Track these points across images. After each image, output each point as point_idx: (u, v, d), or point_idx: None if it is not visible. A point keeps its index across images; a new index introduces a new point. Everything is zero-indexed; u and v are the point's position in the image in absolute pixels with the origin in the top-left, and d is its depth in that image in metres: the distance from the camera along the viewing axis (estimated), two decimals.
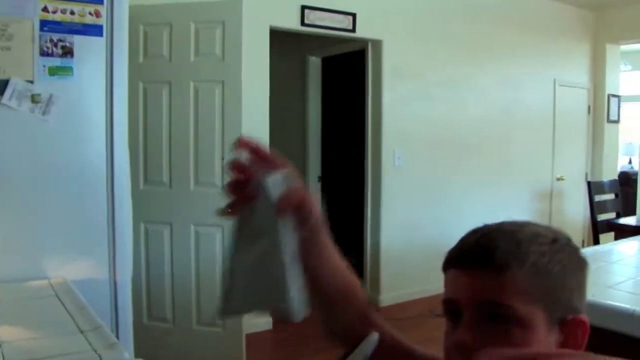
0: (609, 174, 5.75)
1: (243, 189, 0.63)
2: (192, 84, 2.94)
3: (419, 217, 4.58)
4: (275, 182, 0.60)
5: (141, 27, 2.92)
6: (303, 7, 3.82)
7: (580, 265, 0.67)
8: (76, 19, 1.73)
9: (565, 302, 0.63)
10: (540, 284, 0.61)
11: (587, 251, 2.62)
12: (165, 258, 2.99)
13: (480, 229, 0.69)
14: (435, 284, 4.44)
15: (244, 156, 0.63)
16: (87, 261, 1.69)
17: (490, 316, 0.60)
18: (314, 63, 5.13)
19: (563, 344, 0.63)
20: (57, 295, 1.46)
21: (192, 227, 2.97)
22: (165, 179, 2.98)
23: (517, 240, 0.64)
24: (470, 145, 4.84)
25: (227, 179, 0.64)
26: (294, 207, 0.63)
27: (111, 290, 1.69)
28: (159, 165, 2.97)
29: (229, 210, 0.64)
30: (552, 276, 0.62)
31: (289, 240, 0.60)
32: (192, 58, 2.93)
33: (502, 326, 0.60)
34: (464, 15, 4.74)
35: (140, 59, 2.94)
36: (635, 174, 6.66)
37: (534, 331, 0.60)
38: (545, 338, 0.61)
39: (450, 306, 0.65)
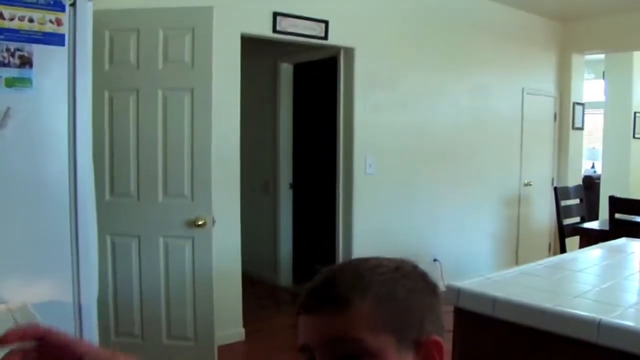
0: (574, 179, 5.88)
1: None
2: (160, 92, 2.86)
3: (391, 224, 4.58)
4: None
5: (107, 33, 2.83)
6: (275, 14, 3.78)
7: (428, 289, 0.68)
8: (35, 27, 1.64)
9: (417, 324, 0.64)
10: (386, 310, 0.62)
11: (553, 260, 2.64)
12: (134, 271, 2.89)
13: (326, 269, 0.69)
14: None
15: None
16: (49, 283, 1.60)
17: (342, 357, 0.60)
18: (286, 70, 5.09)
19: None
20: (15, 321, 1.37)
21: (161, 239, 2.88)
22: (133, 190, 2.88)
23: (359, 273, 0.64)
24: (442, 153, 4.89)
25: None
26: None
27: (75, 314, 1.60)
28: (126, 176, 2.88)
29: None
30: (398, 301, 0.63)
31: None
32: (160, 65, 2.85)
33: None
34: (436, 24, 4.78)
35: (106, 67, 2.85)
36: (598, 178, 6.86)
37: (386, 359, 0.60)
38: None
39: (306, 353, 0.64)
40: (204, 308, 2.90)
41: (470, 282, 1.88)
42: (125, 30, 2.84)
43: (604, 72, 6.78)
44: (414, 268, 0.69)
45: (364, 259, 0.69)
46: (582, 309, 1.54)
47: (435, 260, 4.80)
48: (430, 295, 0.68)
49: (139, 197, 2.88)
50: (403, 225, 4.65)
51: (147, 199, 2.87)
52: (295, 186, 5.18)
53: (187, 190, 2.85)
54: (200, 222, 2.81)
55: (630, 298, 1.77)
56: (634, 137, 6.31)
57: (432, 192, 4.85)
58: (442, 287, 4.24)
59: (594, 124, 7.64)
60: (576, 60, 5.96)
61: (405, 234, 4.62)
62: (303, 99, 5.12)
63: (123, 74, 2.85)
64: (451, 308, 1.78)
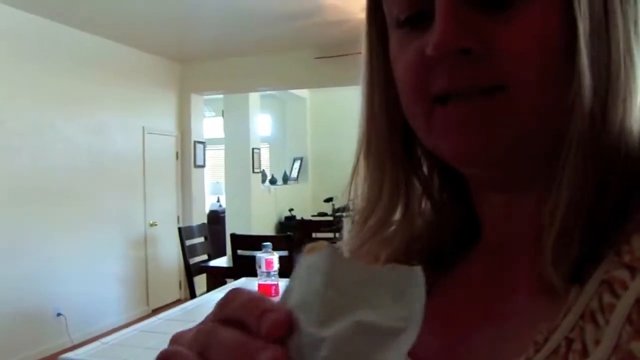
0: (199, 216, 6.09)
1: None
2: None
3: None
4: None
5: None
6: None
7: None
8: None
9: None
10: None
11: (170, 313, 2.54)
12: None
13: None
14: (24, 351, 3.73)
15: None
16: None
17: None
18: None
19: None
20: None
21: None
22: None
23: None
24: (59, 195, 4.44)
25: None
26: None
27: None
28: None
29: None
30: None
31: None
32: None
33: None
34: (50, 59, 4.37)
35: None
36: (224, 212, 7.32)
37: None
38: None
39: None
40: None
41: (84, 351, 1.62)
42: None
43: (223, 111, 7.26)
44: None
45: None
46: None
47: (59, 314, 4.34)
48: None
49: None
50: (16, 279, 4.00)
51: None
52: None
53: None
54: None
55: None
56: (253, 171, 6.89)
57: (51, 240, 4.36)
58: (68, 342, 3.58)
59: (217, 159, 8.07)
60: (195, 100, 6.22)
61: (20, 289, 4.01)
62: None
63: None
64: None
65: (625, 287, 0.30)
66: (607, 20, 0.34)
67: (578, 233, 0.33)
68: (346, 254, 0.45)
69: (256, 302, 0.28)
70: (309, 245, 0.30)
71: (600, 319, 0.31)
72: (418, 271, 0.26)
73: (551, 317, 0.33)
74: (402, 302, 0.26)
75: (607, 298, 0.31)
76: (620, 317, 0.30)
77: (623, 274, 0.31)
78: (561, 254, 0.33)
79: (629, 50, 0.34)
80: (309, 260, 0.29)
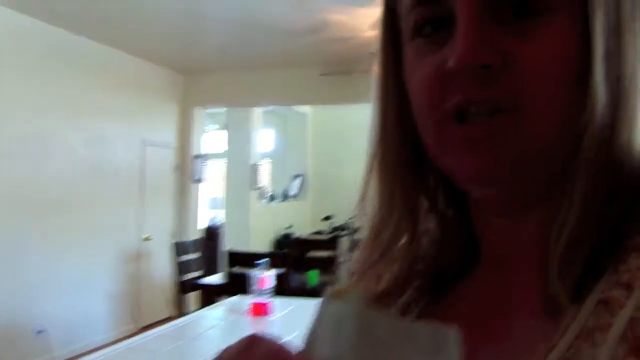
0: (195, 232, 6.00)
1: None
2: None
3: None
4: None
5: None
6: None
7: None
8: None
9: None
10: None
11: (161, 330, 2.46)
12: None
13: None
14: None
15: None
16: None
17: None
18: None
19: None
20: None
21: None
22: None
23: None
24: (57, 205, 4.37)
25: None
26: None
27: None
28: None
29: None
30: None
31: None
32: None
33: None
34: (51, 65, 4.31)
35: None
36: (220, 227, 7.21)
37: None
38: None
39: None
40: None
41: None
42: None
43: (226, 124, 7.19)
44: None
45: None
46: None
47: (39, 332, 4.17)
48: None
49: None
50: (4, 293, 3.90)
51: None
52: None
53: None
54: None
55: None
56: (253, 187, 6.78)
57: (47, 247, 4.29)
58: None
59: (217, 173, 8.03)
60: (198, 113, 6.17)
61: (4, 302, 3.89)
62: None
63: None
64: None
65: (622, 306, 0.31)
66: (620, 39, 0.34)
67: (584, 249, 0.33)
68: (355, 276, 0.45)
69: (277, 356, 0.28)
70: (333, 288, 0.30)
71: (597, 338, 0.31)
72: (453, 331, 0.27)
73: (550, 336, 0.33)
74: None
75: (604, 317, 0.31)
76: (616, 336, 0.30)
77: (620, 293, 0.31)
78: (567, 270, 0.34)
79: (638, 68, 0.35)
80: (337, 306, 0.28)
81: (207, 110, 6.44)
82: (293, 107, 7.54)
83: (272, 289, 2.82)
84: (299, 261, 4.59)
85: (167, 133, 5.81)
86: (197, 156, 6.17)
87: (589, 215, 0.34)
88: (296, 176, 8.23)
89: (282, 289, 3.34)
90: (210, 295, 4.29)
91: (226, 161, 7.04)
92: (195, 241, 5.13)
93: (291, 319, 2.64)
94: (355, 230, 0.46)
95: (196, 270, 4.82)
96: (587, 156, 0.34)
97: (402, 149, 0.43)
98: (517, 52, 0.34)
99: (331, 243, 5.28)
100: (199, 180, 6.21)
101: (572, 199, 0.34)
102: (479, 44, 0.34)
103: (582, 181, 0.34)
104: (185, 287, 4.53)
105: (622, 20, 0.34)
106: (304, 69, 5.53)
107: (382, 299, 0.44)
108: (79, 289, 4.60)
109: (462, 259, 0.45)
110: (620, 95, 0.34)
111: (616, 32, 0.34)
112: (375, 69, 0.45)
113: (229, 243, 5.89)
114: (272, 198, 7.65)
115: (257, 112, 6.92)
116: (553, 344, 0.33)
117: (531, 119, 0.34)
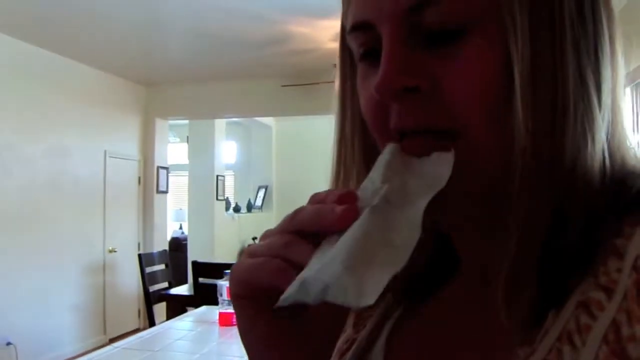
0: (160, 243, 5.95)
1: None
2: None
3: None
4: None
5: None
6: None
7: None
8: None
9: None
10: None
11: (128, 342, 2.46)
12: None
13: None
14: None
15: None
16: None
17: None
18: None
19: None
20: None
21: None
22: None
23: None
24: (14, 220, 4.26)
25: None
26: None
27: None
28: None
29: None
30: None
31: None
32: None
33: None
34: (7, 78, 4.24)
35: None
36: (186, 239, 7.17)
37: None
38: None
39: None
40: None
41: None
42: None
43: (187, 137, 7.19)
44: None
45: None
46: None
47: (8, 344, 4.09)
48: None
49: None
50: None
51: None
52: None
53: None
54: None
55: None
56: (217, 199, 6.79)
57: (5, 264, 4.17)
58: None
59: (180, 185, 7.96)
60: (160, 125, 6.15)
61: None
62: None
63: None
64: None
65: (602, 308, 0.31)
66: (555, 56, 0.33)
67: (532, 275, 0.33)
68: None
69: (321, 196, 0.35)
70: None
71: (577, 340, 0.31)
72: (450, 155, 0.34)
73: (529, 341, 0.33)
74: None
75: (584, 319, 0.31)
76: (597, 338, 0.30)
77: (599, 295, 0.31)
78: (514, 300, 0.33)
79: (582, 84, 0.34)
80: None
81: (170, 122, 6.42)
82: (257, 119, 7.58)
83: None
84: None
85: (129, 145, 5.78)
86: (161, 167, 6.14)
87: (531, 238, 0.33)
88: (260, 188, 8.26)
89: None
90: (177, 307, 4.28)
91: (189, 173, 7.01)
92: (161, 252, 5.11)
93: None
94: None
95: (163, 282, 4.80)
96: (520, 176, 0.33)
97: (364, 161, 0.43)
98: (443, 74, 0.35)
99: None
100: (163, 192, 6.19)
101: (509, 223, 0.33)
102: (397, 69, 0.35)
103: (517, 202, 0.33)
104: (152, 299, 4.50)
105: (544, 45, 0.33)
106: (266, 80, 5.59)
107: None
108: (44, 301, 4.53)
109: (441, 265, 0.44)
110: (556, 113, 0.33)
111: (547, 48, 0.33)
112: (336, 82, 0.46)
113: (194, 254, 5.87)
114: (236, 210, 7.66)
115: (220, 124, 6.93)
116: (533, 347, 0.32)
117: (466, 146, 0.35)
